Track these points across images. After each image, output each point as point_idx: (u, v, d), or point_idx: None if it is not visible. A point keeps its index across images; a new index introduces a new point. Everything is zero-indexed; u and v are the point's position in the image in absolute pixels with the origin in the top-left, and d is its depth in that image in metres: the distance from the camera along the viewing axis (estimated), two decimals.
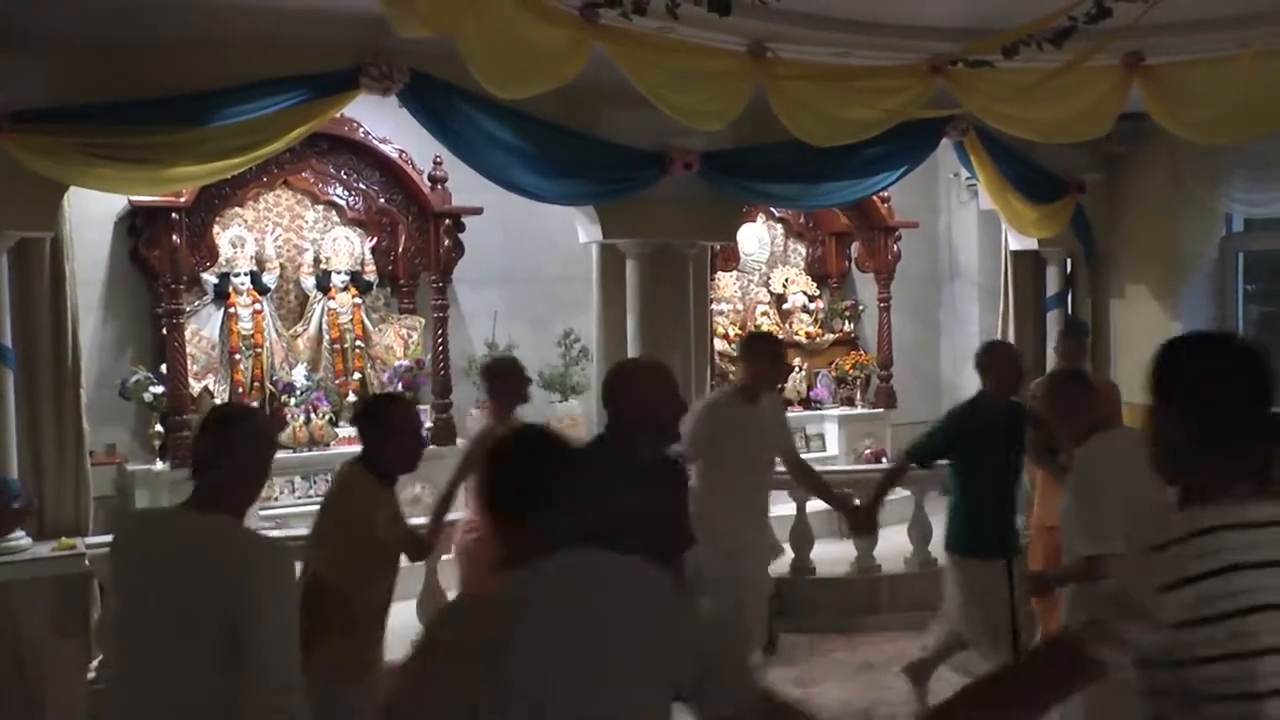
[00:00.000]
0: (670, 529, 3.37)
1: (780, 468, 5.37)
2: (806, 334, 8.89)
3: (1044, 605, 6.50)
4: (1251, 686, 1.84)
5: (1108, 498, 3.80)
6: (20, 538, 5.17)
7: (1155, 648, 1.88)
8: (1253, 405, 1.94)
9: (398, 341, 7.36)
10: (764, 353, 5.22)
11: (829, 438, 8.59)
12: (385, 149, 6.98)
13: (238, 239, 6.93)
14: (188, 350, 6.53)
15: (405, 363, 7.28)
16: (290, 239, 7.25)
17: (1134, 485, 3.79)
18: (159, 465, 6.37)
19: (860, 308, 9.18)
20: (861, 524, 5.56)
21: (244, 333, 6.92)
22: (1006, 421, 5.02)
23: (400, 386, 7.26)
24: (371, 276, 7.40)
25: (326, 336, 7.23)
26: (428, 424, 7.10)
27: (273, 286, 7.12)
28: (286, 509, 6.36)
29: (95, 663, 5.25)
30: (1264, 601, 1.84)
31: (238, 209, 6.96)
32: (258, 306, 6.99)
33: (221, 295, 6.90)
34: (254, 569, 2.51)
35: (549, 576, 2.06)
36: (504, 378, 5.10)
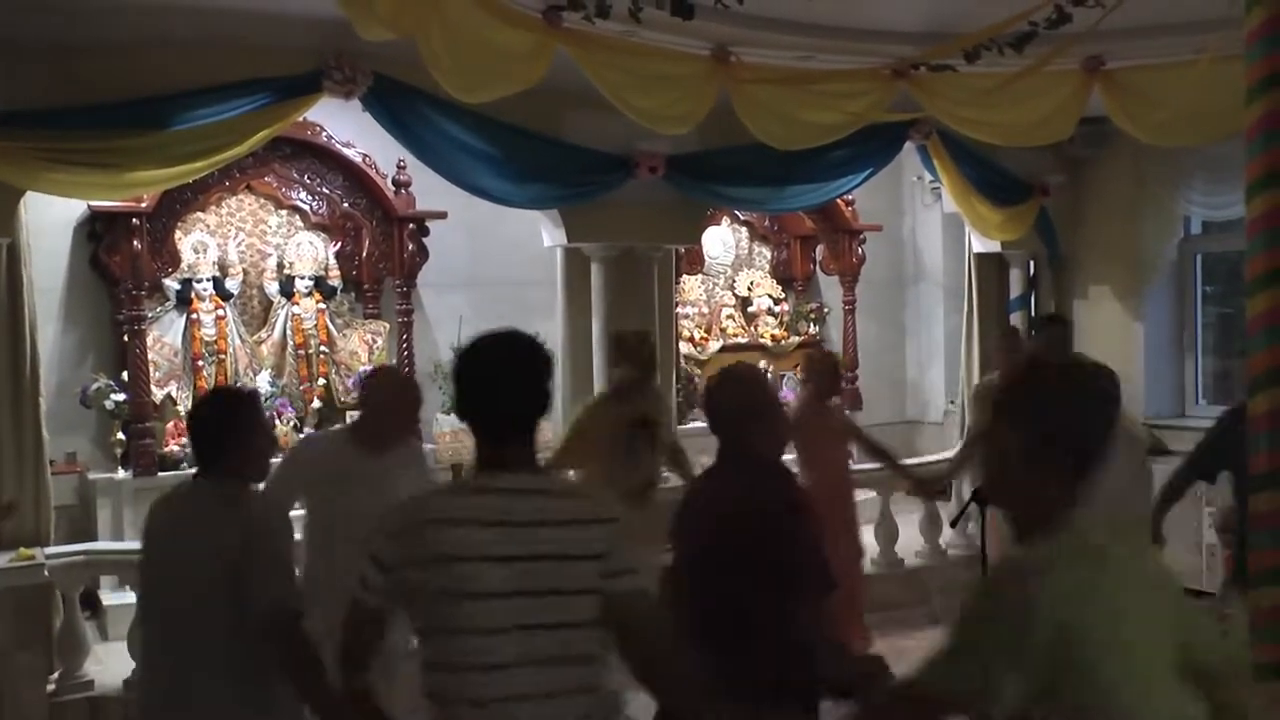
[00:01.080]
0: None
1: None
2: (772, 337, 8.91)
3: None
4: (460, 623, 2.20)
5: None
6: None
7: (394, 586, 2.29)
8: (497, 388, 2.33)
9: (362, 347, 7.32)
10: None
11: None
12: (349, 153, 6.95)
13: (200, 244, 6.85)
14: (150, 357, 6.47)
15: (370, 368, 7.24)
16: (253, 244, 7.18)
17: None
18: (121, 473, 6.30)
19: (825, 310, 9.21)
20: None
21: (207, 339, 6.85)
22: None
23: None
24: (335, 281, 7.34)
25: (291, 342, 7.17)
26: None
27: (236, 292, 7.04)
28: None
29: (55, 674, 5.18)
30: (463, 553, 2.21)
31: (200, 214, 6.89)
32: (221, 312, 6.91)
33: (184, 301, 6.81)
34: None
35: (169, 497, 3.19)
36: (831, 374, 6.04)
